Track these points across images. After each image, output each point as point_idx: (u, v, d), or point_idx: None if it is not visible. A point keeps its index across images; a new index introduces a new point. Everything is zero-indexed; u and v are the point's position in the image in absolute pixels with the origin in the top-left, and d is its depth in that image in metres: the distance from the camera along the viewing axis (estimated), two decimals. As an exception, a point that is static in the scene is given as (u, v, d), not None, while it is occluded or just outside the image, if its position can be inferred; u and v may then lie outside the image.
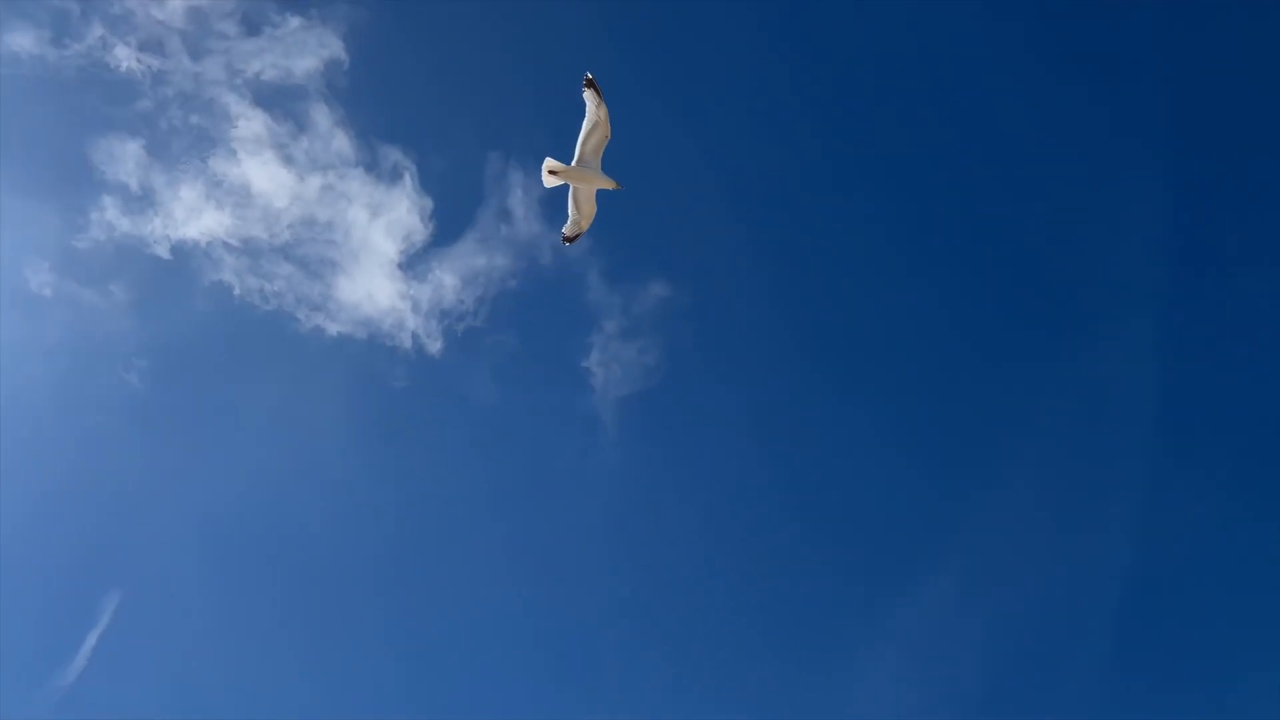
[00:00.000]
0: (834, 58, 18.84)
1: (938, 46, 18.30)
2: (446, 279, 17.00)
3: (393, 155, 16.93)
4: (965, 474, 18.03)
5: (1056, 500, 17.60)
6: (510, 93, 18.06)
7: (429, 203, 17.39)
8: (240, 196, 16.27)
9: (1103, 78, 18.05)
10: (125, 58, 15.53)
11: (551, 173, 9.03)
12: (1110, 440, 17.55)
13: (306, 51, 16.37)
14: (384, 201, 16.98)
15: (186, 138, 15.95)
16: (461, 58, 18.07)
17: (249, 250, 16.28)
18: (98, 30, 15.44)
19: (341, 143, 16.87)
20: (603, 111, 8.61)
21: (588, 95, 8.56)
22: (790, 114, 18.67)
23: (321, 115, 16.54)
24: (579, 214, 9.49)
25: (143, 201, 15.67)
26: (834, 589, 17.69)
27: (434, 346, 17.08)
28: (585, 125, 8.71)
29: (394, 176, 17.23)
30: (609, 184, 9.05)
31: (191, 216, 15.80)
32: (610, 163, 9.05)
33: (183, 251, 15.83)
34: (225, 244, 15.97)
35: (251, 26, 16.27)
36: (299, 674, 16.21)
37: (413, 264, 17.04)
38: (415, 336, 17.02)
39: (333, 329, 16.69)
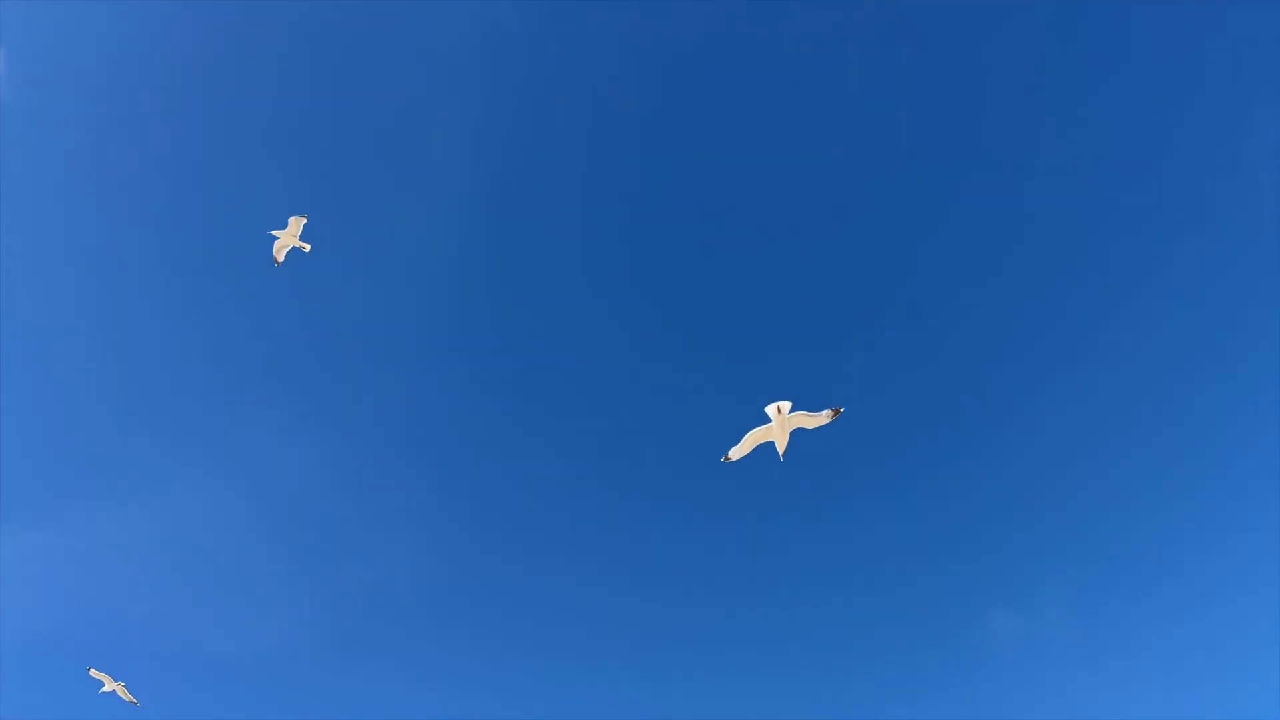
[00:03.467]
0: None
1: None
2: None
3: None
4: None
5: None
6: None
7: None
8: None
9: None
10: None
11: (779, 410, 11.18)
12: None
13: None
14: None
15: None
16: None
17: None
18: None
19: None
20: (825, 421, 11.42)
21: (830, 415, 11.40)
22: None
23: None
24: (743, 451, 11.67)
25: None
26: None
27: None
28: (815, 417, 11.50)
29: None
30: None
31: None
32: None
33: None
34: None
35: None
36: None
37: None
38: None
39: None
